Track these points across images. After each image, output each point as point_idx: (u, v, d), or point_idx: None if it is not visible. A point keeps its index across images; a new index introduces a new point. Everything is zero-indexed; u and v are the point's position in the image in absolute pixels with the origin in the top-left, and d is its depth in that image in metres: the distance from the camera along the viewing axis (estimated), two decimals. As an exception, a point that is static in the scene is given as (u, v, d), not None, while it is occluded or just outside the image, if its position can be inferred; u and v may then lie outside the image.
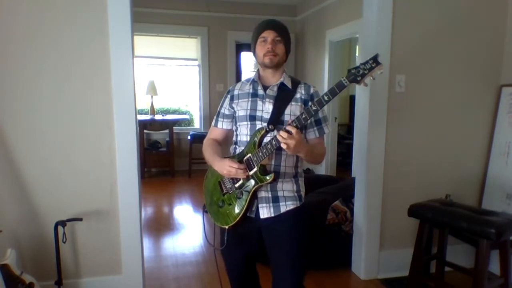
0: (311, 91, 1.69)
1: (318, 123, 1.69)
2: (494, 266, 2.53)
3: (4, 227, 2.12)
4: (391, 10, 2.48)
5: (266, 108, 1.65)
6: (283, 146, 1.45)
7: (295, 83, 1.71)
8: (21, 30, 2.11)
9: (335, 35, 5.13)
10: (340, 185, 3.43)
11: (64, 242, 2.21)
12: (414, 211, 2.37)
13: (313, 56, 5.84)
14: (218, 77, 6.16)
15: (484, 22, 2.68)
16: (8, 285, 1.95)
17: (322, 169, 5.64)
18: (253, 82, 1.72)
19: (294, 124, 1.47)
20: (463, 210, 2.23)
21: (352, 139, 5.28)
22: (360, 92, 2.76)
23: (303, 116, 1.48)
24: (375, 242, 2.70)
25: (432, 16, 2.58)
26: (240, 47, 6.33)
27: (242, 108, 1.70)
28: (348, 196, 3.00)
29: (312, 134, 1.70)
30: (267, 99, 1.66)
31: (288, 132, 1.44)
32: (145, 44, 5.93)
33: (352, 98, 6.20)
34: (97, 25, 2.18)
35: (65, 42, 2.16)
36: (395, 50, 2.53)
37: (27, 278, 2.04)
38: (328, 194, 3.17)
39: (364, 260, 2.71)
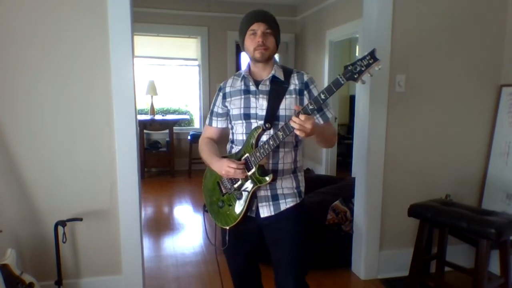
0: (305, 78, 1.64)
1: (319, 109, 1.62)
2: (494, 266, 2.53)
3: (4, 227, 2.12)
4: (391, 10, 2.48)
5: (260, 105, 1.62)
6: (298, 132, 1.40)
7: (288, 73, 1.65)
8: (21, 30, 2.11)
9: (335, 35, 5.13)
10: (340, 185, 3.43)
11: (64, 242, 2.21)
12: (414, 211, 2.37)
13: (313, 56, 5.84)
14: (218, 77, 6.15)
15: (484, 22, 2.68)
16: (8, 285, 1.95)
17: (322, 169, 5.65)
18: (243, 78, 1.67)
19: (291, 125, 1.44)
20: (463, 210, 2.22)
21: (352, 139, 5.29)
22: (360, 92, 2.76)
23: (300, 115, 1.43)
24: (375, 242, 2.70)
25: (432, 16, 2.57)
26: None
27: (235, 106, 1.67)
28: (348, 196, 3.00)
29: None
30: (260, 95, 1.62)
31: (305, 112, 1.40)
32: (145, 44, 5.93)
33: (352, 98, 6.20)
34: (97, 25, 2.18)
35: (65, 42, 2.16)
36: (395, 50, 2.52)
37: (27, 278, 2.04)
38: (328, 194, 3.17)
39: (364, 260, 2.71)
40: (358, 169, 2.79)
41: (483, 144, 2.81)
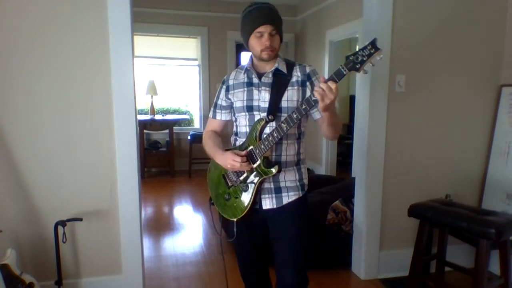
0: (307, 70, 1.64)
1: None
2: (494, 266, 2.53)
3: (4, 227, 2.12)
4: (391, 10, 2.48)
5: (262, 97, 1.63)
6: (319, 97, 1.34)
7: (290, 66, 1.65)
8: (21, 30, 2.11)
9: (335, 35, 5.13)
10: (340, 185, 3.42)
11: (64, 242, 2.21)
12: (414, 211, 2.37)
13: (313, 56, 5.84)
14: (218, 77, 6.15)
15: (484, 22, 2.68)
16: (8, 285, 1.95)
17: (322, 169, 5.65)
18: (246, 71, 1.68)
19: (295, 115, 1.45)
20: (463, 210, 2.22)
21: (352, 139, 5.29)
22: (360, 92, 2.75)
23: (303, 106, 1.44)
24: (375, 242, 2.70)
25: (432, 16, 2.57)
26: (240, 47, 6.32)
27: (238, 99, 1.68)
28: (348, 196, 2.99)
29: (318, 114, 1.63)
30: (263, 87, 1.63)
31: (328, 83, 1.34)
32: (145, 44, 5.93)
33: (352, 98, 6.20)
34: (97, 25, 2.18)
35: (65, 42, 2.16)
36: (395, 50, 2.52)
37: (27, 278, 2.04)
38: (328, 194, 3.17)
39: (364, 260, 2.71)
40: (358, 169, 2.79)
41: (483, 144, 2.81)
